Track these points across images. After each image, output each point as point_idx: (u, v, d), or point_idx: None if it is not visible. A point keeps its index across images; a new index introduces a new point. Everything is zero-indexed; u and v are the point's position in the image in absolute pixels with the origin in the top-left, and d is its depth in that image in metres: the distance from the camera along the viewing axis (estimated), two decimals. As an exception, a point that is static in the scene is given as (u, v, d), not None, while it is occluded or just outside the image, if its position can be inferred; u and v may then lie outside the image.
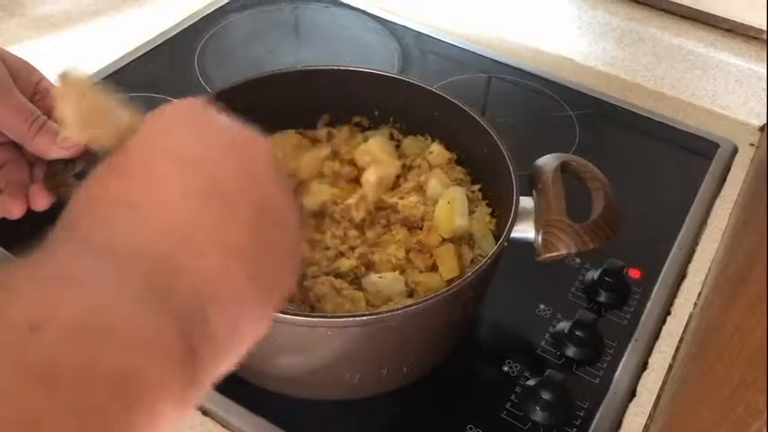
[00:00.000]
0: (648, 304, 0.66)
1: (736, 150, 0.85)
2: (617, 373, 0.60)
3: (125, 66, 0.91)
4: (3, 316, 0.22)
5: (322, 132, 0.68)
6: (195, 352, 0.26)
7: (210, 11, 1.01)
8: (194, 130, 0.33)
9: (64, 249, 0.27)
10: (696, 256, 0.72)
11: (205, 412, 0.57)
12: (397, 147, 0.68)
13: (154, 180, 0.30)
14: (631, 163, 0.82)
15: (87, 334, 0.23)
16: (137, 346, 0.24)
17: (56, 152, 0.54)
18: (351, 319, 0.49)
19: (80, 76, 0.34)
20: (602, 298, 0.65)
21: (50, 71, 0.63)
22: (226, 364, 0.29)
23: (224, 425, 0.56)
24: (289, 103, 0.67)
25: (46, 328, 0.22)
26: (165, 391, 0.24)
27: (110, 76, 0.89)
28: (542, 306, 0.65)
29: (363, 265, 0.58)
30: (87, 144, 0.34)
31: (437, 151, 0.66)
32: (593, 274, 0.66)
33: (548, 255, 0.53)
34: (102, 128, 0.34)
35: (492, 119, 0.61)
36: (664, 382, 0.61)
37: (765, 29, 0.87)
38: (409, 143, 0.68)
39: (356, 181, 0.64)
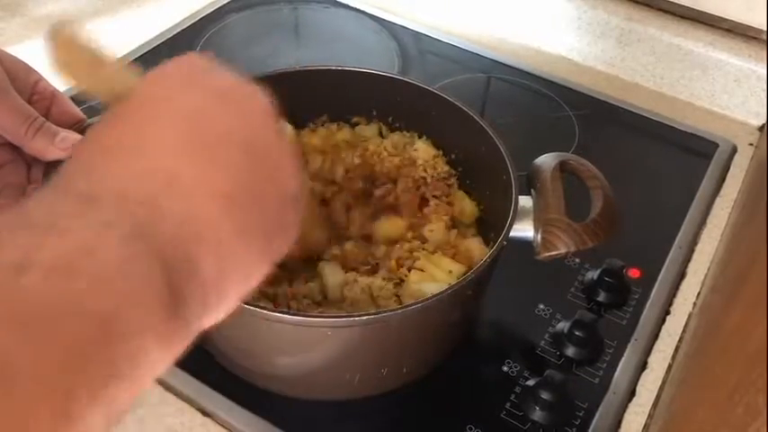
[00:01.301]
0: (648, 304, 0.66)
1: (735, 150, 0.85)
2: (616, 373, 0.60)
3: (124, 66, 0.91)
4: None
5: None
6: (180, 295, 0.26)
7: (210, 11, 1.01)
8: (191, 80, 0.33)
9: (49, 199, 0.27)
10: (695, 256, 0.72)
11: (205, 413, 0.57)
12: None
13: (143, 125, 0.30)
14: (631, 163, 0.82)
15: (71, 274, 0.23)
16: (120, 286, 0.24)
17: (54, 153, 0.54)
18: (351, 318, 0.49)
19: (73, 29, 0.34)
20: (602, 298, 0.65)
21: (50, 72, 0.63)
22: (216, 312, 0.29)
23: (224, 426, 0.56)
24: (288, 103, 0.67)
25: (30, 269, 0.22)
26: (149, 331, 0.25)
27: (109, 76, 0.89)
28: (542, 306, 0.65)
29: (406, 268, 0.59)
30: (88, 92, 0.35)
31: (422, 147, 0.66)
32: (593, 274, 0.66)
33: (547, 253, 0.53)
34: (96, 80, 0.34)
35: (491, 119, 0.62)
36: (663, 382, 0.61)
37: (764, 29, 0.87)
38: (394, 139, 0.68)
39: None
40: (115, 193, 0.27)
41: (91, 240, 0.25)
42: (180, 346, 0.27)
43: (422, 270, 0.57)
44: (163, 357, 0.26)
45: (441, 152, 0.67)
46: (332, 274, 0.58)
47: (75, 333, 0.22)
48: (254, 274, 0.32)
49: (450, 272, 0.57)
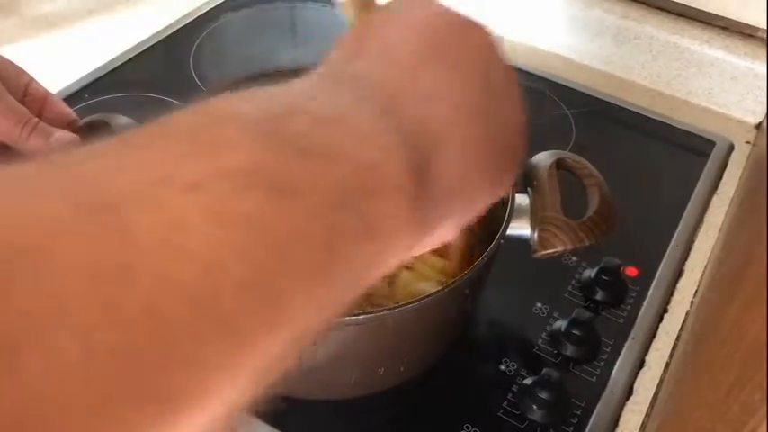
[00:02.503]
0: (645, 302, 0.66)
1: (732, 148, 0.85)
2: (614, 372, 0.60)
3: (120, 65, 0.90)
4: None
5: None
6: (424, 186, 0.25)
7: (206, 10, 1.01)
8: (431, 5, 0.33)
9: (304, 82, 0.27)
10: (693, 254, 0.72)
11: (201, 412, 0.56)
12: None
13: (388, 33, 0.31)
14: (627, 161, 0.82)
15: (332, 124, 0.23)
16: (378, 142, 0.24)
17: (50, 153, 0.54)
18: (347, 318, 0.49)
19: None
20: (599, 296, 0.65)
21: (46, 71, 0.63)
22: (438, 225, 0.28)
23: (220, 425, 0.56)
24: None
25: (298, 117, 0.22)
26: (396, 219, 0.24)
27: (105, 75, 0.89)
28: (539, 304, 0.65)
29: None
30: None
31: None
32: (590, 273, 0.66)
33: (544, 251, 0.53)
34: None
35: (488, 117, 0.61)
36: (661, 381, 0.61)
37: (760, 26, 0.87)
38: None
39: None
40: (364, 83, 0.27)
41: (344, 107, 0.24)
42: (419, 246, 0.26)
43: (411, 268, 0.57)
44: (406, 250, 0.25)
45: None
46: None
47: (327, 211, 0.21)
48: (481, 198, 0.31)
49: (441, 269, 0.57)
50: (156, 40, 0.95)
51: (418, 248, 0.28)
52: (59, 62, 0.89)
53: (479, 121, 0.29)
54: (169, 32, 0.96)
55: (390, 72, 0.28)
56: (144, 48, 0.93)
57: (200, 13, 1.00)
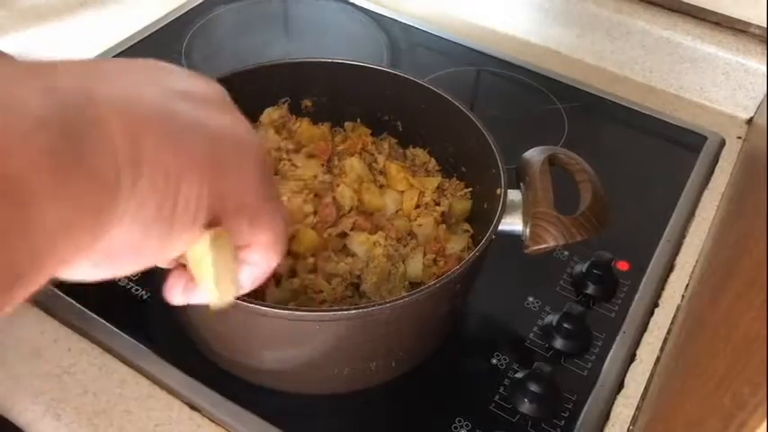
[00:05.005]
0: (636, 296, 0.66)
1: (723, 143, 0.85)
2: (605, 366, 0.60)
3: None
4: None
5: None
6: (78, 163, 0.25)
7: (198, 2, 1.00)
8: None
9: None
10: (684, 249, 0.72)
11: (193, 407, 0.56)
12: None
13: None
14: (620, 156, 0.82)
15: None
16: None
17: None
18: (339, 312, 0.49)
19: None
20: (591, 290, 0.65)
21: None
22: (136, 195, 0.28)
23: (212, 420, 0.56)
24: (276, 96, 0.66)
25: None
26: (31, 183, 0.23)
27: (96, 68, 0.88)
28: (531, 299, 0.65)
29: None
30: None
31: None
32: (582, 267, 0.66)
33: (536, 247, 0.53)
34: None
35: (480, 112, 0.61)
36: (651, 374, 0.61)
37: (752, 22, 0.87)
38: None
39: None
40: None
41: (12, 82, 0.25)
42: (65, 214, 0.25)
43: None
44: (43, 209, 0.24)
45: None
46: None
47: None
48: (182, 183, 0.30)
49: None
50: (148, 33, 0.94)
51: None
52: (49, 55, 0.89)
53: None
54: (161, 25, 0.96)
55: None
56: (135, 41, 0.93)
57: (192, 6, 0.99)
